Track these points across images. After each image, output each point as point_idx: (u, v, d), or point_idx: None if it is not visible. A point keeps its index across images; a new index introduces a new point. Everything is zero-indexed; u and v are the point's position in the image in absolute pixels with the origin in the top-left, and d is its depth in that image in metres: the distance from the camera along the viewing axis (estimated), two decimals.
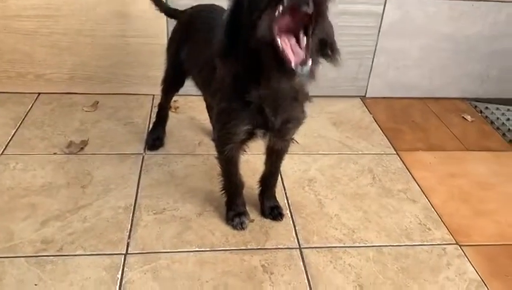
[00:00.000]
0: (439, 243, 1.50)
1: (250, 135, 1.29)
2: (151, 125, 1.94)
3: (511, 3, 2.27)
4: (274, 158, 1.48)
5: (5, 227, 1.42)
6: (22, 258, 1.31)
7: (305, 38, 1.03)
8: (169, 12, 1.78)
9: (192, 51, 1.56)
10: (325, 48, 1.16)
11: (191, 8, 1.68)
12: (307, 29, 1.02)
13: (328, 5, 1.02)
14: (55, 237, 1.40)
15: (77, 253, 1.35)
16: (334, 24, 1.18)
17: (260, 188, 1.56)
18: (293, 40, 1.02)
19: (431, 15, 2.25)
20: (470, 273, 1.39)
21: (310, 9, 0.97)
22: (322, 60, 1.17)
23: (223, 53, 1.14)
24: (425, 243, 1.50)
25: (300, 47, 1.02)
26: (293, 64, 1.00)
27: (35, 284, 1.24)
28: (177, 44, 1.65)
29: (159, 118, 1.89)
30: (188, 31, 1.61)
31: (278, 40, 1.01)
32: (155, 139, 1.86)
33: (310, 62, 1.02)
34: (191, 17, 1.64)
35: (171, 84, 1.76)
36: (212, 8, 1.61)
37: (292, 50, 1.01)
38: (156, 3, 1.77)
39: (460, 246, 1.50)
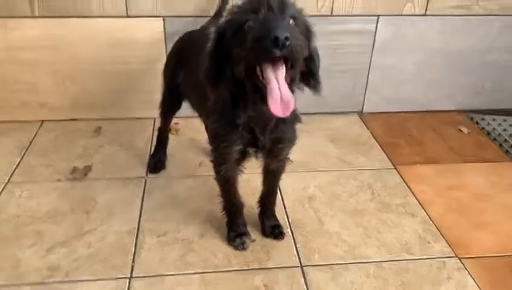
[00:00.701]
0: (438, 256, 1.52)
1: (243, 155, 1.34)
2: (153, 149, 1.98)
3: (501, 16, 2.32)
4: (271, 178, 1.51)
5: (12, 255, 1.45)
6: (29, 287, 1.34)
7: (283, 76, 1.09)
8: None
9: (186, 75, 1.62)
10: (308, 78, 1.22)
11: (185, 32, 1.76)
12: (286, 64, 1.09)
13: (302, 45, 1.08)
14: (60, 263, 1.43)
15: (83, 278, 1.37)
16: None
17: (260, 207, 1.59)
18: (274, 82, 1.08)
19: (423, 31, 2.30)
20: (471, 286, 1.41)
21: (282, 53, 1.01)
22: (305, 87, 1.24)
23: (210, 82, 1.20)
24: (425, 257, 1.52)
25: (280, 88, 1.08)
26: (272, 110, 1.08)
27: None
28: (172, 67, 1.71)
29: (159, 141, 1.93)
30: (181, 54, 1.68)
31: (259, 79, 1.10)
32: (156, 162, 1.90)
33: (291, 106, 1.08)
34: (184, 41, 1.72)
35: (169, 107, 1.82)
36: (204, 31, 1.67)
37: (272, 94, 1.07)
38: None
39: (460, 258, 1.52)
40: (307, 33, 1.17)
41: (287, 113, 1.08)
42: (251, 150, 1.33)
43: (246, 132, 1.28)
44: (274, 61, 1.07)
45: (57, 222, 1.60)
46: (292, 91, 1.14)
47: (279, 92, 1.07)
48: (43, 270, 1.40)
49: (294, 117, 1.32)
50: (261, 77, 1.10)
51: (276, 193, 1.58)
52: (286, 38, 0.99)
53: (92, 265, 1.42)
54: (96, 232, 1.56)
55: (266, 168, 1.48)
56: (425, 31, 2.30)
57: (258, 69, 1.09)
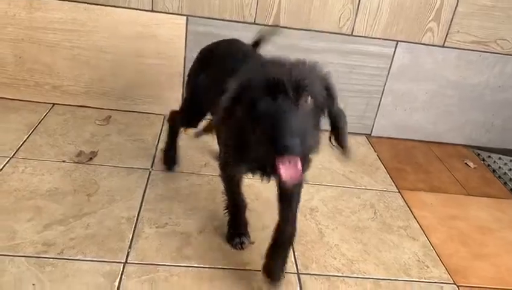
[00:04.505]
0: (437, 281, 1.50)
1: (251, 171, 1.27)
2: (160, 144, 1.97)
3: None
4: (286, 205, 1.33)
5: (9, 226, 1.44)
6: (23, 258, 1.32)
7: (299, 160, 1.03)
8: None
9: (208, 84, 1.51)
10: (336, 137, 1.20)
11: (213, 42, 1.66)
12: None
13: (315, 141, 1.07)
14: (57, 240, 1.41)
15: (77, 258, 1.35)
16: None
17: (272, 241, 1.34)
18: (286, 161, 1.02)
19: (439, 61, 2.33)
20: None
21: (292, 154, 0.99)
22: (333, 147, 1.21)
23: (224, 121, 1.16)
24: (422, 280, 1.50)
25: (292, 163, 1.02)
26: (283, 179, 1.01)
27: (33, 284, 1.24)
28: (196, 76, 1.61)
29: (172, 138, 1.85)
30: (206, 64, 1.59)
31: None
32: (171, 156, 1.86)
33: (300, 175, 1.03)
34: (210, 51, 1.62)
35: (190, 117, 1.67)
36: (232, 42, 1.62)
37: (285, 167, 1.01)
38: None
39: (458, 286, 1.50)
40: (330, 98, 1.12)
41: (296, 181, 1.02)
42: (259, 173, 1.24)
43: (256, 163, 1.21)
44: None
45: (57, 200, 1.59)
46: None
47: (292, 168, 1.02)
48: (39, 245, 1.38)
49: (306, 163, 1.24)
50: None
51: (294, 230, 1.35)
52: (296, 144, 0.95)
53: (88, 246, 1.40)
54: (96, 215, 1.54)
55: (280, 192, 1.34)
56: (441, 62, 2.33)
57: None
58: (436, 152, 2.43)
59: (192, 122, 1.68)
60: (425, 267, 1.56)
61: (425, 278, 1.50)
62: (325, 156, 2.17)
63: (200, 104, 1.57)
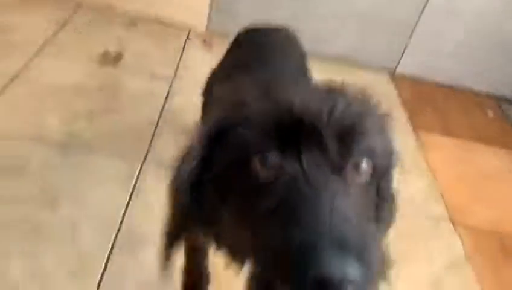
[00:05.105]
0: (435, 216, 1.57)
1: None
2: (184, 55, 1.99)
3: None
4: None
5: (37, 116, 1.51)
6: (49, 145, 1.41)
7: None
8: None
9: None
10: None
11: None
12: None
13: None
14: (82, 133, 1.49)
15: (99, 152, 1.44)
16: None
17: None
18: None
19: (480, 5, 2.23)
20: (457, 249, 1.47)
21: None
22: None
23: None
24: (423, 215, 1.57)
25: None
26: None
27: (57, 170, 1.34)
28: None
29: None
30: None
31: None
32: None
33: None
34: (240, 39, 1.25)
35: None
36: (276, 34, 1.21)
37: None
38: None
39: (454, 224, 1.57)
40: (388, 171, 0.67)
41: None
42: None
43: None
44: None
45: (83, 96, 1.65)
46: None
47: None
48: (64, 136, 1.46)
49: None
50: None
51: None
52: (353, 268, 0.44)
53: (110, 142, 1.48)
54: (119, 114, 1.61)
55: None
56: (481, 5, 2.23)
57: None
58: (459, 97, 2.41)
59: None
60: (427, 203, 1.62)
61: (425, 212, 1.57)
62: None
63: None
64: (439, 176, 1.77)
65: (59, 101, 1.59)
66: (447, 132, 2.09)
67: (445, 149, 1.96)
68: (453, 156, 1.92)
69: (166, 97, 1.76)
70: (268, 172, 0.52)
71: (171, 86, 1.83)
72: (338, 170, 0.52)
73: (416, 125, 2.06)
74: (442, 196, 1.67)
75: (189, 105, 1.77)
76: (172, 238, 0.65)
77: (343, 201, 0.48)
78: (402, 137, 1.93)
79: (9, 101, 1.54)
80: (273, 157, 0.52)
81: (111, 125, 1.54)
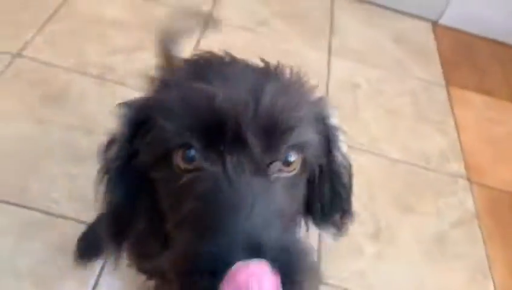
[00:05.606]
0: (452, 173, 1.60)
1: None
2: None
3: None
4: None
5: (77, 47, 1.60)
6: (88, 76, 1.51)
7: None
8: None
9: None
10: (332, 207, 0.67)
11: None
12: None
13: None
14: (118, 66, 1.57)
15: (133, 86, 1.53)
16: None
17: None
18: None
19: None
20: (469, 207, 1.51)
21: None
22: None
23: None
24: (439, 170, 1.60)
25: None
26: None
27: (93, 97, 1.45)
28: None
29: None
30: None
31: None
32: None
33: None
34: None
35: None
36: None
37: None
38: None
39: (470, 182, 1.59)
40: (329, 146, 0.64)
41: None
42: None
43: None
44: None
45: (122, 31, 1.72)
46: None
47: None
48: (102, 68, 1.55)
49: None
50: None
51: None
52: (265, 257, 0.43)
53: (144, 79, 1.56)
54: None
55: None
56: None
57: None
58: (500, 55, 2.31)
59: None
60: (446, 160, 1.64)
61: (442, 169, 1.60)
62: (381, 35, 2.13)
63: None
64: (465, 134, 1.77)
65: (98, 35, 1.67)
66: (482, 89, 2.04)
67: (476, 107, 1.93)
68: (482, 115, 1.89)
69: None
70: (190, 170, 0.49)
71: None
72: (262, 169, 0.49)
73: (451, 79, 2.02)
74: (464, 154, 1.68)
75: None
76: (115, 237, 0.61)
77: (263, 204, 0.45)
78: (434, 92, 1.92)
79: (53, 32, 1.63)
80: (195, 155, 0.49)
81: (144, 63, 1.61)
